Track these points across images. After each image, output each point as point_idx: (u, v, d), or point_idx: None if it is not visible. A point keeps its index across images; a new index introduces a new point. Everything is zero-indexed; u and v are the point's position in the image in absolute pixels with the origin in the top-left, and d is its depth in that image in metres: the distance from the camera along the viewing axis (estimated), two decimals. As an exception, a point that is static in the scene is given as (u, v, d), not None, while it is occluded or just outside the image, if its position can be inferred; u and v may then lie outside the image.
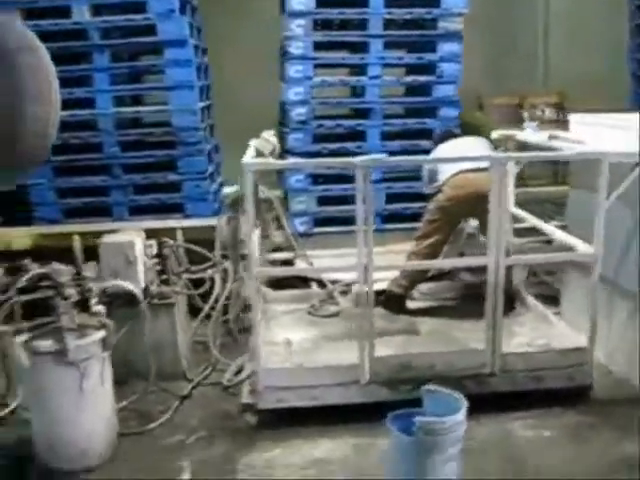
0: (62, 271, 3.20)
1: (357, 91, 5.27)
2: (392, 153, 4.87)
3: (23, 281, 3.16)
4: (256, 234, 3.48)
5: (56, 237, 4.87)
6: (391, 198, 5.19)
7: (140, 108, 4.93)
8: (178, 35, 4.62)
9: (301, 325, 4.39)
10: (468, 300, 4.59)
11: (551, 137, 4.08)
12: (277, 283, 5.02)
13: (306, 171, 5.03)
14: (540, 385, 3.66)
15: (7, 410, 3.69)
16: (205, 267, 4.48)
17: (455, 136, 4.59)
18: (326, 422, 3.58)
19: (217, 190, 5.20)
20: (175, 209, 4.94)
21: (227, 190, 4.72)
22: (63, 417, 3.22)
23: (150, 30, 4.64)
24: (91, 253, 4.93)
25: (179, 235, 4.52)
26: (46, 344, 3.13)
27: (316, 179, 5.13)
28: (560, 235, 3.97)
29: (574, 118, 4.37)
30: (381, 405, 3.59)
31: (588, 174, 3.77)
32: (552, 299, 4.76)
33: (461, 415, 2.96)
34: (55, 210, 4.91)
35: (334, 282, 4.77)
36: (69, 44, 4.60)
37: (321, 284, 4.93)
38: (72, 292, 3.17)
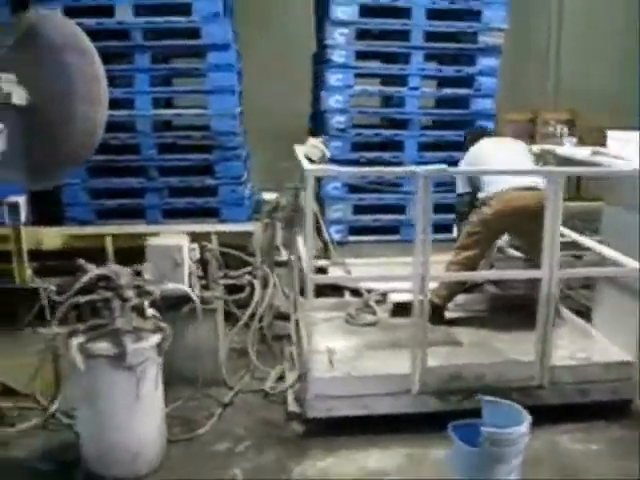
0: (122, 273, 3.15)
1: (394, 101, 5.29)
2: (427, 164, 4.93)
3: (82, 282, 3.10)
4: (311, 240, 3.44)
5: (87, 238, 4.84)
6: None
7: (180, 111, 4.90)
8: (222, 39, 4.63)
9: (341, 334, 4.36)
10: (498, 312, 4.62)
11: (595, 153, 4.11)
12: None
13: (343, 179, 5.03)
14: (586, 398, 3.67)
15: (48, 413, 3.64)
16: (244, 272, 4.46)
17: (489, 134, 4.61)
18: (374, 432, 3.56)
19: (250, 195, 5.18)
20: (210, 213, 4.92)
21: (267, 196, 4.70)
22: (116, 422, 3.16)
23: (194, 33, 4.63)
24: (123, 255, 4.96)
25: (214, 240, 4.51)
26: (103, 347, 3.09)
27: (352, 188, 5.12)
28: (605, 251, 4.00)
29: (611, 135, 4.42)
30: (429, 415, 3.66)
31: (626, 191, 3.83)
32: (579, 313, 4.80)
33: (525, 427, 2.97)
34: (87, 211, 4.88)
35: (369, 291, 4.77)
36: (111, 43, 4.58)
37: (355, 293, 4.94)
38: (131, 294, 3.12)
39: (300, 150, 4.20)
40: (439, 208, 5.19)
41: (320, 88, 5.15)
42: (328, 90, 5.04)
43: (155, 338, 3.21)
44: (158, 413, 3.33)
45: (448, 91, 5.30)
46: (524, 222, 4.10)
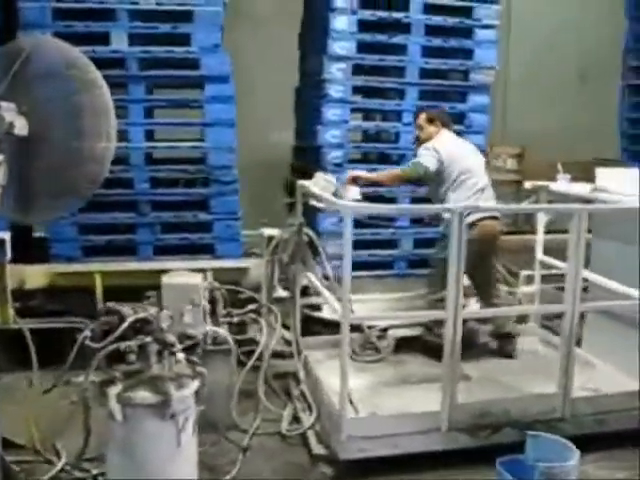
0: (163, 316, 3.02)
1: (386, 137, 5.40)
2: (421, 199, 5.07)
3: (123, 328, 2.94)
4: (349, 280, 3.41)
5: (75, 276, 4.63)
6: (420, 243, 5.29)
7: (175, 144, 4.77)
8: (221, 71, 4.57)
9: (351, 372, 4.34)
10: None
11: (594, 190, 4.32)
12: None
13: (339, 215, 5.04)
14: (604, 428, 3.82)
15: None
16: (248, 311, 4.36)
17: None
18: (403, 471, 3.56)
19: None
20: (203, 249, 4.79)
21: (267, 232, 4.63)
22: (156, 473, 3.01)
23: (192, 64, 4.54)
24: (113, 294, 4.74)
25: (209, 277, 4.40)
26: (145, 396, 2.94)
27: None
28: (605, 282, 4.20)
29: (600, 171, 4.66)
30: (455, 452, 3.69)
31: (622, 225, 4.07)
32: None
33: (576, 459, 3.06)
34: (74, 247, 4.65)
35: (370, 327, 4.77)
36: (104, 72, 4.40)
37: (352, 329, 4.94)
38: (173, 339, 3.00)
39: (312, 185, 4.20)
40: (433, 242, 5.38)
41: (314, 122, 5.16)
42: (325, 125, 5.06)
43: (195, 384, 3.08)
44: (194, 461, 3.19)
45: None
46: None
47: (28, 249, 4.65)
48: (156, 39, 4.54)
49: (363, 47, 5.03)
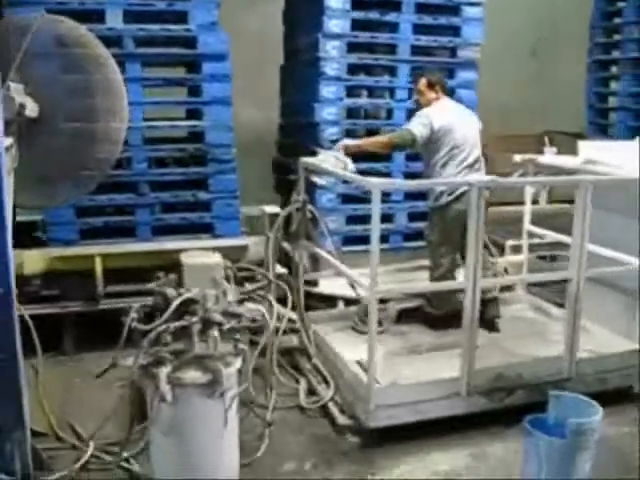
0: (208, 295, 3.06)
1: (374, 114, 5.55)
2: (414, 174, 5.26)
3: (173, 308, 2.96)
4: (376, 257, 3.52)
5: (73, 259, 4.57)
6: (414, 217, 5.48)
7: (174, 123, 4.73)
8: (218, 49, 4.55)
9: (358, 344, 4.47)
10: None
11: (587, 162, 4.57)
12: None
13: (337, 191, 5.16)
14: (606, 386, 4.10)
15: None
16: (257, 287, 4.41)
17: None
18: (426, 436, 3.74)
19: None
20: (203, 229, 4.80)
21: (268, 210, 4.67)
22: (206, 452, 3.09)
23: (189, 42, 4.51)
24: (113, 276, 4.69)
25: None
26: (195, 375, 3.00)
27: (344, 199, 5.28)
28: (600, 250, 4.45)
29: (583, 144, 4.92)
30: (472, 416, 3.90)
31: (609, 195, 4.32)
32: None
33: (600, 415, 3.30)
34: (71, 230, 4.58)
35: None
36: (100, 51, 4.32)
37: (348, 302, 5.07)
38: (221, 318, 3.04)
39: (321, 162, 4.27)
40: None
41: (309, 100, 5.23)
42: (321, 102, 5.13)
43: (238, 362, 3.15)
44: (237, 439, 3.27)
45: None
46: None
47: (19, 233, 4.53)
48: (153, 17, 4.47)
49: (356, 25, 5.11)
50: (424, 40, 5.31)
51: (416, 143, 4.43)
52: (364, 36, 5.16)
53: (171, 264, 4.43)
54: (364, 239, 5.26)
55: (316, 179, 4.80)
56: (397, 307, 4.87)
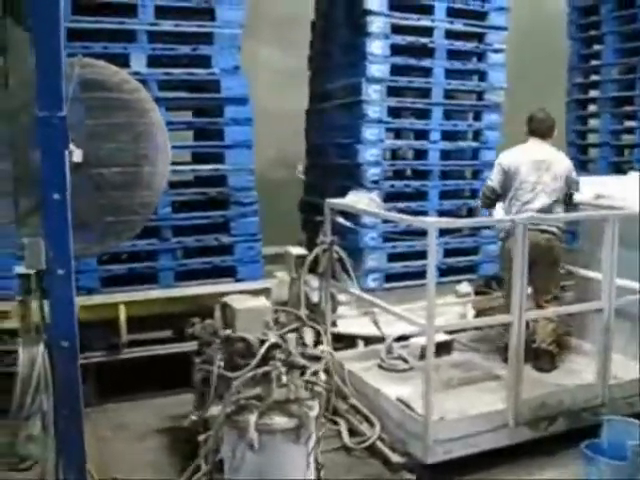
0: (291, 339, 3.13)
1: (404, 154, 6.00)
2: (448, 212, 5.66)
3: (260, 355, 3.01)
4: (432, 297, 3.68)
5: (97, 308, 4.50)
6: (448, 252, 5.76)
7: (196, 166, 4.77)
8: (241, 93, 4.68)
9: (392, 382, 4.57)
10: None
11: (598, 197, 4.89)
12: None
13: (380, 229, 5.46)
14: (633, 409, 4.35)
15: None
16: (290, 329, 4.46)
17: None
18: (480, 468, 3.88)
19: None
20: (225, 272, 4.84)
21: (294, 251, 4.75)
22: (291, 497, 3.12)
23: (212, 86, 4.61)
24: (137, 324, 4.65)
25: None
26: (282, 421, 3.05)
27: (385, 237, 5.57)
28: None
29: (584, 180, 5.23)
30: (518, 446, 4.07)
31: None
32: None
33: (655, 439, 3.53)
34: (93, 278, 4.52)
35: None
36: (125, 96, 4.36)
37: (366, 341, 5.18)
38: (304, 361, 3.12)
39: (355, 202, 4.43)
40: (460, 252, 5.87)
41: (351, 142, 5.61)
42: (364, 144, 5.44)
43: (317, 406, 3.21)
44: (311, 481, 3.32)
45: (462, 144, 5.95)
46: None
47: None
48: (177, 61, 4.56)
49: (396, 70, 5.51)
50: (454, 84, 5.73)
51: (495, 190, 4.66)
52: (402, 80, 5.56)
53: (196, 309, 4.51)
54: (403, 275, 5.60)
55: (341, 220, 4.96)
56: (420, 343, 5.02)
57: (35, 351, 3.21)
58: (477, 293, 5.75)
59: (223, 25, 4.62)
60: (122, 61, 4.39)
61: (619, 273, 4.45)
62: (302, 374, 3.18)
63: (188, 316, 4.45)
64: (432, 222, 3.68)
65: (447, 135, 5.77)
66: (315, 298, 5.22)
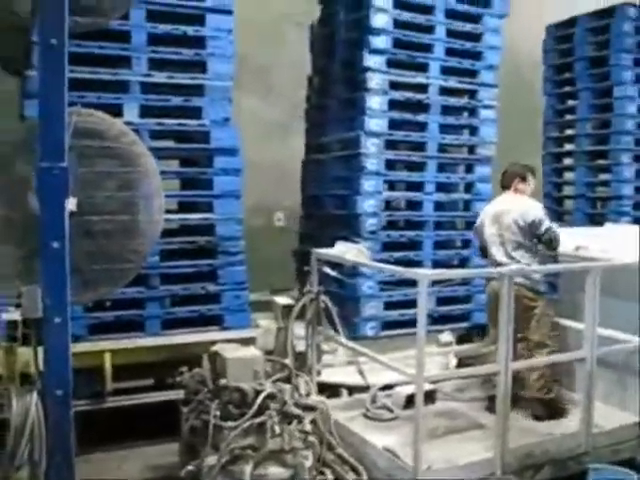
0: (286, 389, 3.21)
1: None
2: (441, 262, 5.91)
3: (257, 405, 3.08)
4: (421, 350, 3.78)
5: (82, 356, 4.49)
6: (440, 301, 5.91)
7: (185, 215, 4.86)
8: (230, 144, 4.81)
9: (377, 431, 4.62)
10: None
11: (578, 248, 5.06)
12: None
13: (377, 277, 5.62)
14: (617, 457, 4.47)
15: None
16: (279, 378, 4.52)
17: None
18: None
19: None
20: (212, 321, 4.90)
21: (280, 301, 4.84)
22: None
23: (203, 137, 4.74)
24: (122, 373, 4.66)
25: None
26: (277, 471, 3.12)
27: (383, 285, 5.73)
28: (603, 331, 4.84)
29: (567, 231, 5.42)
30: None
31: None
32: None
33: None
34: (80, 325, 4.54)
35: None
36: (116, 145, 4.46)
37: (350, 390, 5.23)
38: (299, 411, 3.19)
39: (342, 253, 4.54)
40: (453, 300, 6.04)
41: (348, 193, 5.89)
42: (363, 195, 5.68)
43: (310, 455, 3.28)
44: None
45: (455, 196, 6.24)
46: None
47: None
48: (169, 112, 4.69)
49: (393, 124, 5.79)
50: (448, 139, 6.04)
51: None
52: (399, 134, 5.84)
53: (182, 357, 4.55)
54: (399, 323, 5.70)
55: (328, 270, 5.06)
56: (405, 393, 5.10)
57: (29, 400, 3.22)
58: (459, 342, 5.90)
59: (214, 78, 4.78)
60: (116, 111, 4.51)
61: (602, 322, 4.68)
62: (290, 423, 3.27)
63: (174, 364, 4.51)
64: (423, 273, 3.80)
65: (441, 187, 6.05)
66: (300, 347, 5.31)
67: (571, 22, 7.83)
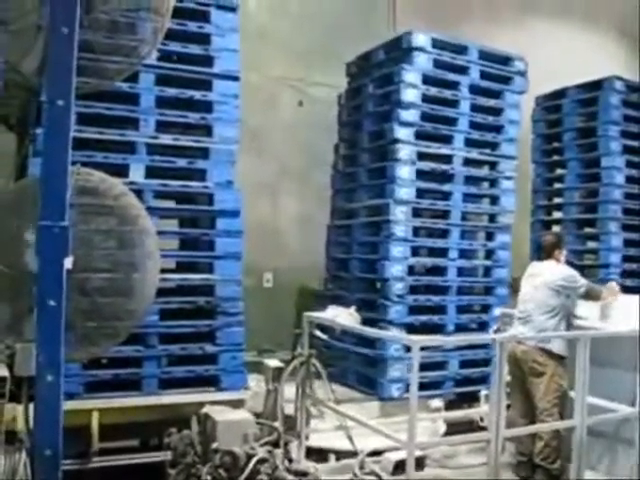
0: (277, 454, 3.02)
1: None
2: (462, 326, 6.00)
3: (250, 469, 2.89)
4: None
5: (70, 415, 4.25)
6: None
7: (185, 275, 4.74)
8: (233, 206, 4.78)
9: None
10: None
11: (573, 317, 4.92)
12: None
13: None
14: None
15: None
16: (266, 442, 4.29)
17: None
18: None
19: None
20: (207, 381, 4.75)
21: (271, 363, 4.66)
22: None
23: (205, 198, 4.70)
24: (111, 432, 4.42)
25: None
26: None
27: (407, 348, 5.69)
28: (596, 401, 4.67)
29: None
30: None
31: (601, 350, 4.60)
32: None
33: None
34: (75, 383, 4.37)
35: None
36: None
37: (338, 455, 4.99)
38: (291, 477, 3.00)
39: (334, 317, 4.41)
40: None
41: (376, 258, 6.02)
42: (391, 260, 5.78)
43: (302, 523, 3.08)
44: None
45: (477, 262, 6.36)
46: None
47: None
48: (172, 173, 4.64)
49: (419, 194, 5.95)
50: (470, 207, 6.20)
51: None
52: (425, 202, 5.99)
53: (172, 417, 4.33)
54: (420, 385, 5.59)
55: (319, 333, 4.91)
56: (394, 458, 4.87)
57: (17, 458, 3.02)
58: (447, 408, 5.73)
59: (219, 141, 4.78)
60: (121, 171, 4.49)
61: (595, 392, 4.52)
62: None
63: (162, 424, 4.31)
64: (415, 339, 3.67)
65: (463, 253, 6.17)
66: (288, 410, 5.08)
67: (560, 93, 7.96)
